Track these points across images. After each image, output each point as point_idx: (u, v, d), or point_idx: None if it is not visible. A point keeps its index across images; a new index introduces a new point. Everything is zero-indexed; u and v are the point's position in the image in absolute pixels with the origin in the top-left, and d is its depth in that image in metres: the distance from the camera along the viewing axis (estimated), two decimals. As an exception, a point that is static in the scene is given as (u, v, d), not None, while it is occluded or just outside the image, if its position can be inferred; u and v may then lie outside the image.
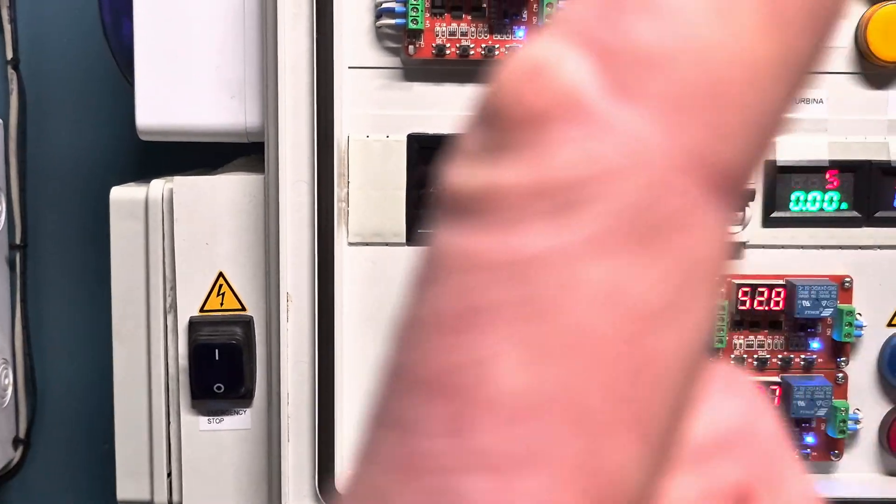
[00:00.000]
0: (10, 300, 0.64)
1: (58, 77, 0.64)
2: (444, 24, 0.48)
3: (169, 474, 0.52)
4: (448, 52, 0.48)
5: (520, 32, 0.48)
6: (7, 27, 0.62)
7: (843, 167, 0.49)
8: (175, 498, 0.52)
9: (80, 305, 0.65)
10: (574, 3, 0.11)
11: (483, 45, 0.48)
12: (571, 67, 0.11)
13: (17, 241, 0.64)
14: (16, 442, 0.65)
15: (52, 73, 0.64)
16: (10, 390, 0.63)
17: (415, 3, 0.47)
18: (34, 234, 0.64)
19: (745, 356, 0.50)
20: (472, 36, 0.48)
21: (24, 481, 0.67)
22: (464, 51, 0.48)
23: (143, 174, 0.55)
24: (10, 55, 0.62)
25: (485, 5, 0.47)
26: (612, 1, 0.11)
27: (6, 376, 0.63)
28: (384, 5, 0.47)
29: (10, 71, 0.62)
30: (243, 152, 0.56)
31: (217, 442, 0.51)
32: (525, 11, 0.48)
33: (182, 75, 0.50)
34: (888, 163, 0.49)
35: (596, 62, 0.11)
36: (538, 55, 0.11)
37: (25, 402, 0.65)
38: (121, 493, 0.52)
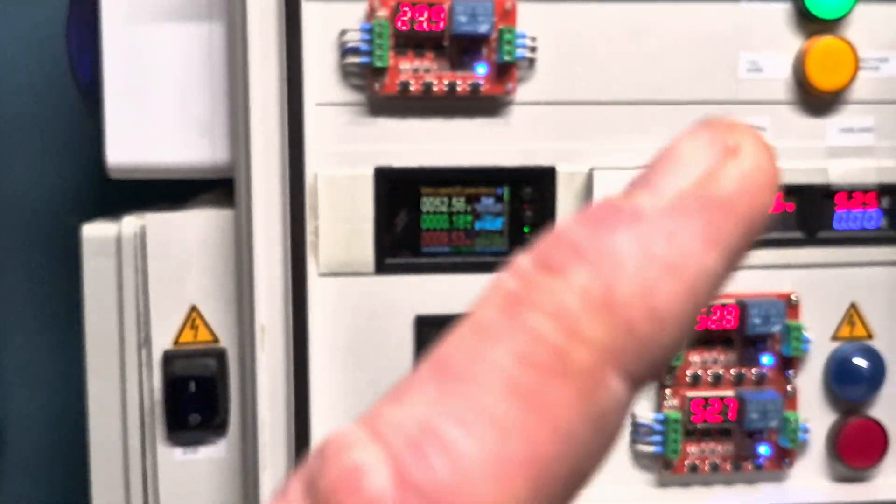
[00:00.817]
0: (-29, 338, 0.64)
1: (19, 113, 0.64)
2: (408, 62, 0.50)
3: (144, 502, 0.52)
4: (412, 88, 0.50)
5: (480, 68, 0.50)
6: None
7: (786, 191, 0.52)
8: (151, 529, 0.52)
9: (46, 343, 0.65)
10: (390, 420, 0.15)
11: (445, 81, 0.50)
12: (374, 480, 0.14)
13: (-22, 280, 0.64)
14: (-21, 480, 0.65)
15: (13, 109, 0.64)
16: (-28, 428, 0.64)
17: (379, 42, 0.49)
18: (-4, 272, 0.65)
19: (699, 373, 0.52)
20: (435, 72, 0.50)
21: (-12, 520, 0.67)
22: (427, 87, 0.50)
23: (106, 210, 0.55)
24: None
25: (446, 44, 0.49)
26: (421, 433, 0.14)
27: (-31, 415, 0.63)
28: (349, 44, 0.49)
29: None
30: (208, 187, 0.57)
31: (193, 472, 0.52)
32: (484, 49, 0.50)
33: (151, 113, 0.51)
34: (828, 186, 0.52)
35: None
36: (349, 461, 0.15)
37: (-11, 439, 0.65)
38: (96, 528, 0.53)
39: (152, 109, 0.51)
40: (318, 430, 0.50)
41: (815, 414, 0.54)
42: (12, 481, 0.66)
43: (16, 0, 0.66)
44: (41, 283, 0.65)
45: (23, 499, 0.66)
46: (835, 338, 0.54)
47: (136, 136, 0.51)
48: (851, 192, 0.53)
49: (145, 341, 0.51)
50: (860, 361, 0.53)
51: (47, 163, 0.64)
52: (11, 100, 0.64)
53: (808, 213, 0.52)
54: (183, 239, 0.51)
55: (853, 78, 0.51)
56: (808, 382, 0.53)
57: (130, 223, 0.51)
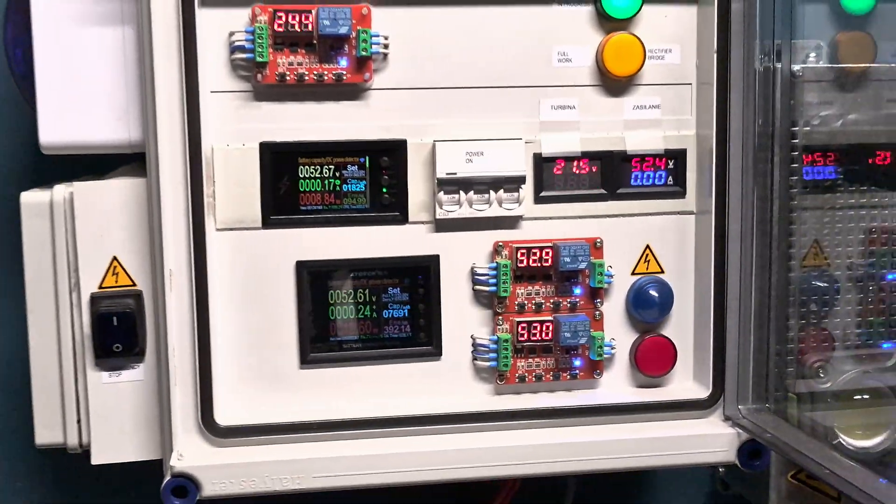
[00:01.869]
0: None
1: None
2: (284, 57, 0.62)
3: (78, 421, 0.64)
4: (288, 78, 0.62)
5: (342, 62, 0.62)
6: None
7: (592, 156, 0.66)
8: (84, 440, 0.64)
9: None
10: None
11: (315, 72, 0.62)
12: None
13: (-70, 242, 0.75)
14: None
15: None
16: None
17: (261, 41, 0.61)
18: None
19: (525, 302, 0.66)
20: (307, 65, 0.62)
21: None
22: (300, 77, 0.62)
23: (40, 181, 0.67)
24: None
25: (315, 41, 0.62)
26: None
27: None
28: (237, 43, 0.61)
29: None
30: (125, 161, 0.69)
31: (117, 392, 0.64)
32: (345, 46, 0.62)
33: (77, 100, 0.63)
34: (625, 152, 0.66)
35: None
36: None
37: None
38: (39, 440, 0.64)
39: (78, 97, 0.63)
40: (218, 355, 0.62)
41: (618, 333, 0.67)
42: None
43: None
44: (2, 242, 0.76)
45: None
46: (633, 273, 0.67)
47: (64, 119, 0.63)
48: (643, 156, 0.66)
49: (75, 286, 0.63)
50: (653, 291, 0.67)
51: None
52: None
53: (609, 174, 0.66)
54: (105, 203, 0.63)
55: (642, 65, 0.65)
56: (613, 308, 0.67)
57: (60, 191, 0.63)
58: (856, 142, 0.68)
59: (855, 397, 0.70)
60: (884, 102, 0.69)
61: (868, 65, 0.68)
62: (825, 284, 0.69)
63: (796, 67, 0.65)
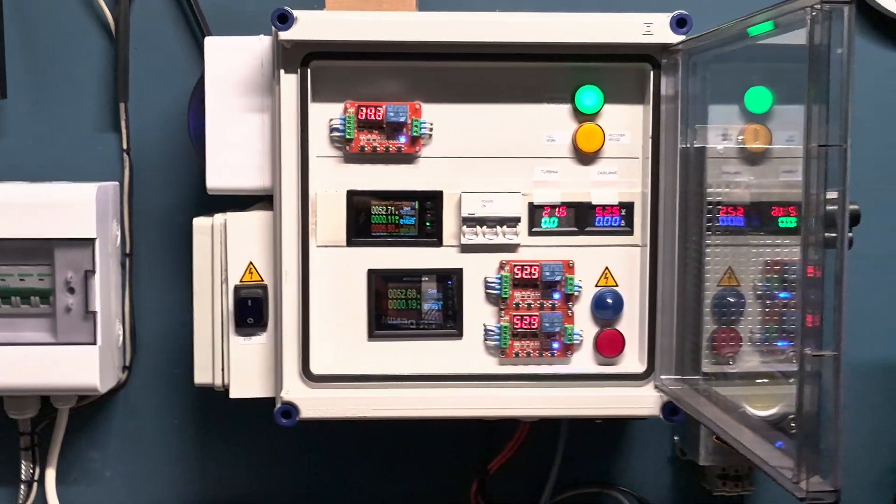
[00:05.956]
0: (122, 286, 1.11)
1: (149, 157, 1.11)
2: (364, 135, 0.95)
3: (223, 369, 0.98)
4: (366, 149, 0.95)
5: (402, 139, 0.95)
6: (123, 128, 1.10)
7: (569, 205, 0.97)
8: (226, 381, 0.98)
9: (164, 287, 1.11)
10: None
11: (384, 145, 0.95)
12: None
13: (127, 251, 1.11)
14: (123, 368, 1.12)
15: (148, 154, 1.11)
16: (120, 336, 1.10)
17: (349, 125, 0.94)
18: (137, 247, 1.11)
19: (520, 302, 0.97)
20: (378, 141, 0.95)
21: (127, 395, 1.13)
22: (374, 148, 0.95)
23: (205, 211, 1.01)
24: (125, 145, 1.10)
25: (384, 125, 0.95)
26: None
27: (119, 328, 1.10)
28: (334, 125, 0.95)
29: (125, 155, 1.10)
30: (260, 199, 1.03)
31: (248, 350, 0.97)
32: (404, 129, 0.95)
33: (232, 158, 0.97)
34: (590, 203, 0.97)
35: None
36: None
37: (130, 344, 1.11)
38: (197, 379, 0.98)
39: (232, 157, 0.97)
40: (314, 328, 0.95)
41: (585, 326, 0.98)
42: (145, 366, 1.13)
43: (166, 84, 1.11)
44: (175, 252, 1.11)
45: (149, 382, 1.13)
46: (596, 285, 0.98)
47: (223, 171, 0.97)
48: (604, 206, 0.97)
49: (225, 280, 0.97)
50: (609, 298, 0.97)
51: (171, 186, 1.11)
52: (161, 144, 1.10)
53: (580, 217, 0.97)
54: (246, 226, 0.97)
55: (603, 145, 0.96)
56: (581, 309, 0.98)
57: (219, 218, 0.97)
58: (758, 200, 0.98)
59: (756, 380, 0.99)
60: (780, 173, 0.99)
61: (766, 146, 0.98)
62: (735, 299, 0.99)
63: (709, 147, 0.96)
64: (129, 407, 1.13)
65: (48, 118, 1.10)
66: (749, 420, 0.88)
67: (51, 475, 1.12)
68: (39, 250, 1.01)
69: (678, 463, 1.15)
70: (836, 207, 0.84)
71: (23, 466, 1.11)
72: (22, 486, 1.11)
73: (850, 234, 0.83)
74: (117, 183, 1.09)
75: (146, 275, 1.12)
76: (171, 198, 1.11)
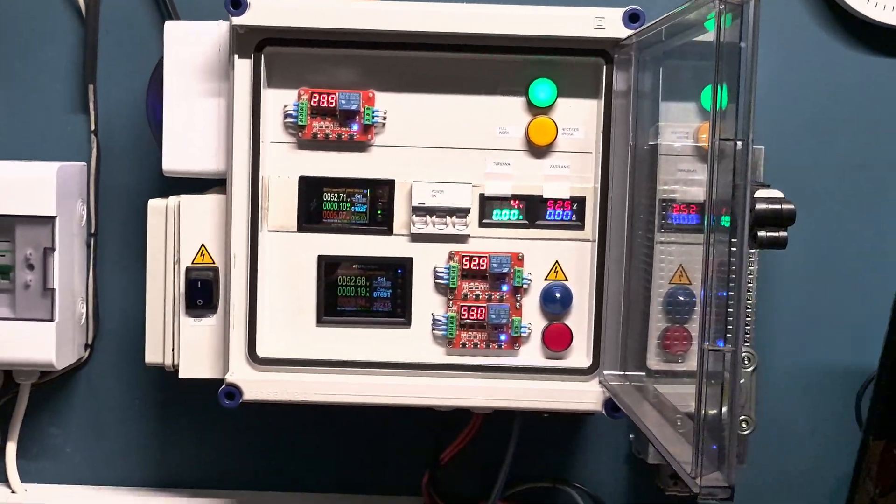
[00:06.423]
0: (87, 265, 1.12)
1: (118, 138, 1.12)
2: (317, 122, 0.96)
3: (173, 349, 0.99)
4: (319, 136, 0.96)
5: (354, 126, 0.96)
6: (91, 109, 1.11)
7: (520, 198, 0.97)
8: (176, 362, 0.99)
9: (128, 267, 1.13)
10: None
11: (336, 133, 0.96)
12: None
13: (92, 231, 1.12)
14: (85, 347, 1.13)
15: (115, 136, 1.12)
16: (83, 315, 1.12)
17: (302, 111, 0.95)
18: (102, 227, 1.13)
19: (468, 293, 0.97)
20: (331, 128, 0.96)
21: (90, 371, 1.15)
22: (327, 135, 0.96)
23: (161, 193, 1.02)
24: (93, 126, 1.11)
25: (337, 113, 0.95)
26: None
27: (82, 306, 1.11)
28: (287, 112, 0.96)
29: (93, 136, 1.11)
30: (215, 183, 1.03)
31: (198, 332, 0.98)
32: (357, 117, 0.96)
33: (187, 143, 0.98)
34: (541, 196, 0.97)
35: None
36: None
37: (92, 322, 1.13)
38: (147, 359, 1.00)
39: (188, 141, 0.98)
40: (262, 312, 0.96)
41: (534, 320, 0.98)
42: (108, 344, 1.14)
43: (134, 67, 1.12)
44: (140, 233, 1.12)
45: (110, 358, 1.14)
46: (546, 279, 0.98)
47: (179, 154, 0.98)
48: (556, 200, 0.97)
49: (177, 261, 0.98)
50: (558, 293, 0.97)
51: (134, 168, 1.12)
52: (129, 126, 1.12)
53: (531, 211, 0.97)
54: (199, 209, 0.98)
55: (555, 139, 0.96)
56: (530, 302, 0.98)
57: (173, 200, 0.98)
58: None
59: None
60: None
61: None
62: (686, 297, 0.98)
63: (663, 144, 0.95)
64: (90, 385, 1.15)
65: (18, 98, 1.12)
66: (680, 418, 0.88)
67: (11, 449, 1.13)
68: (2, 227, 1.03)
69: (633, 461, 1.15)
70: (774, 207, 0.84)
71: (-16, 439, 1.13)
72: (-18, 459, 1.13)
73: (784, 234, 0.82)
74: (84, 164, 1.10)
75: (111, 255, 1.13)
76: (137, 180, 1.12)
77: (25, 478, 1.14)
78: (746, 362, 1.02)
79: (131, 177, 1.12)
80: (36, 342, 1.03)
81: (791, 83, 1.12)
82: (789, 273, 1.13)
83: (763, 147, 1.04)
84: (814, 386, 1.14)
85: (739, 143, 0.64)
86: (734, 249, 0.66)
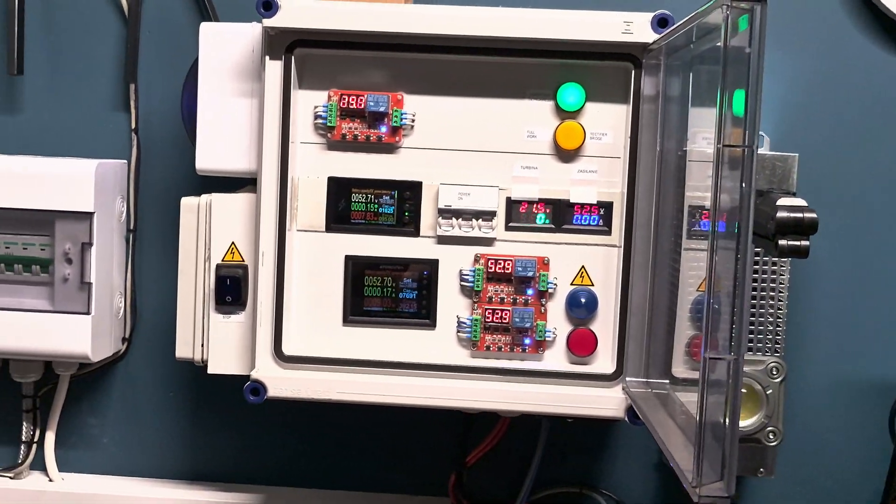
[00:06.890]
0: (125, 260, 1.14)
1: (156, 137, 1.14)
2: (346, 124, 0.97)
3: (202, 344, 1.01)
4: (348, 137, 0.97)
5: (383, 128, 0.96)
6: (132, 108, 1.13)
7: (546, 202, 0.97)
8: (205, 357, 1.01)
9: (166, 263, 1.15)
10: None
11: (365, 134, 0.97)
12: None
13: (131, 227, 1.14)
14: (123, 340, 1.16)
15: (155, 135, 1.14)
16: (121, 309, 1.14)
17: (332, 113, 0.96)
18: (142, 223, 1.15)
19: (493, 295, 0.97)
20: (360, 129, 0.97)
21: (127, 363, 1.17)
22: (355, 136, 0.97)
23: (193, 191, 1.04)
24: (133, 125, 1.13)
25: (365, 115, 0.96)
26: None
27: (120, 301, 1.14)
28: (317, 113, 0.97)
29: (133, 135, 1.13)
30: (247, 182, 1.05)
31: (227, 328, 1.00)
32: (386, 119, 0.96)
33: (220, 142, 1.00)
34: (569, 200, 0.97)
35: None
36: None
37: (129, 316, 1.15)
38: (178, 354, 1.01)
39: (221, 140, 1.00)
40: (289, 310, 0.97)
41: (558, 324, 0.98)
42: (145, 338, 1.17)
43: (174, 68, 1.14)
44: (162, 231, 1.14)
45: (146, 351, 1.16)
46: (572, 283, 0.98)
47: (212, 154, 1.00)
48: (583, 205, 0.97)
49: (208, 258, 1.00)
50: (583, 298, 0.97)
51: (170, 166, 1.14)
52: (162, 127, 1.14)
53: (558, 215, 0.97)
54: (230, 207, 0.99)
55: (583, 143, 0.96)
56: (556, 306, 0.98)
57: (205, 198, 1.00)
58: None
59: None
60: (760, 180, 0.97)
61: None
62: (716, 305, 0.97)
63: (695, 149, 0.94)
64: (128, 377, 1.17)
65: (63, 96, 1.15)
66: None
67: (50, 438, 1.16)
68: (42, 221, 1.06)
69: (663, 469, 1.14)
70: (796, 215, 0.83)
71: (24, 428, 1.16)
72: (22, 447, 1.16)
73: (806, 243, 0.81)
74: (124, 161, 1.13)
75: (150, 251, 1.15)
76: (175, 178, 1.14)
77: (63, 467, 1.17)
78: (775, 373, 1.00)
79: (169, 175, 1.14)
80: (72, 335, 1.06)
81: (829, 89, 1.10)
82: (824, 282, 1.11)
83: (797, 154, 1.02)
84: (847, 397, 1.12)
85: (746, 149, 0.64)
86: (739, 257, 0.65)
